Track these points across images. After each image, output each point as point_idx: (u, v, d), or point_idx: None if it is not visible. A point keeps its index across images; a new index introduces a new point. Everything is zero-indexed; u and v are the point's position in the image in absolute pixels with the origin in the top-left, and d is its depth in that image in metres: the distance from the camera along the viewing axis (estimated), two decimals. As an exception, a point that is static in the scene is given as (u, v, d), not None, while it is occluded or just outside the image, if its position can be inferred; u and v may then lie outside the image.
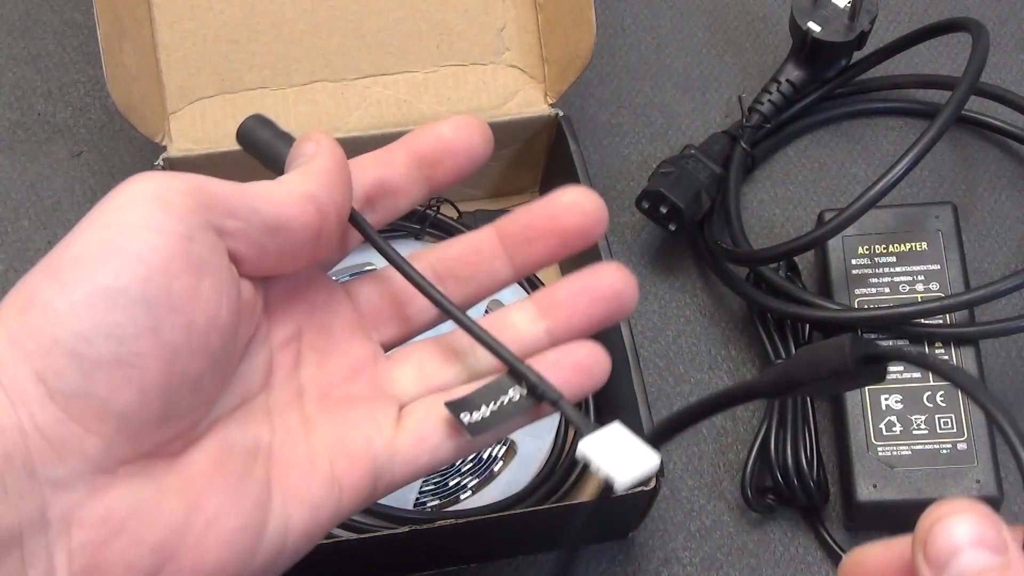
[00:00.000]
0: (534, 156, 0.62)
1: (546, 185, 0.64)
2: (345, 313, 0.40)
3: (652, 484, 0.49)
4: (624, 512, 0.53)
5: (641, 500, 0.50)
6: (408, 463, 0.38)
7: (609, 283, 0.40)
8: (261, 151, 0.39)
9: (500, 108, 0.59)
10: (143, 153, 0.63)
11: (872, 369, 0.32)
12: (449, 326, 0.41)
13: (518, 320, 0.40)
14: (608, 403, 0.56)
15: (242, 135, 0.40)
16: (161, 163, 0.56)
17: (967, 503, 0.28)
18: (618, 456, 0.35)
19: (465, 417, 0.37)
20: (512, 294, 0.59)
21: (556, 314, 0.40)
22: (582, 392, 0.39)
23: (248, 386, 0.36)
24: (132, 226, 0.31)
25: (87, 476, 0.30)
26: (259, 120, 0.40)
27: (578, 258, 0.59)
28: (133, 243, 0.31)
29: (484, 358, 0.40)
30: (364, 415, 0.38)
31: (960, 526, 0.28)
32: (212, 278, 0.33)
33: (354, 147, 0.59)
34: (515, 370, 0.38)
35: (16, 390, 0.30)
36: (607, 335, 0.54)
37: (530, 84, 0.59)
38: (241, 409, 0.36)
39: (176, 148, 0.56)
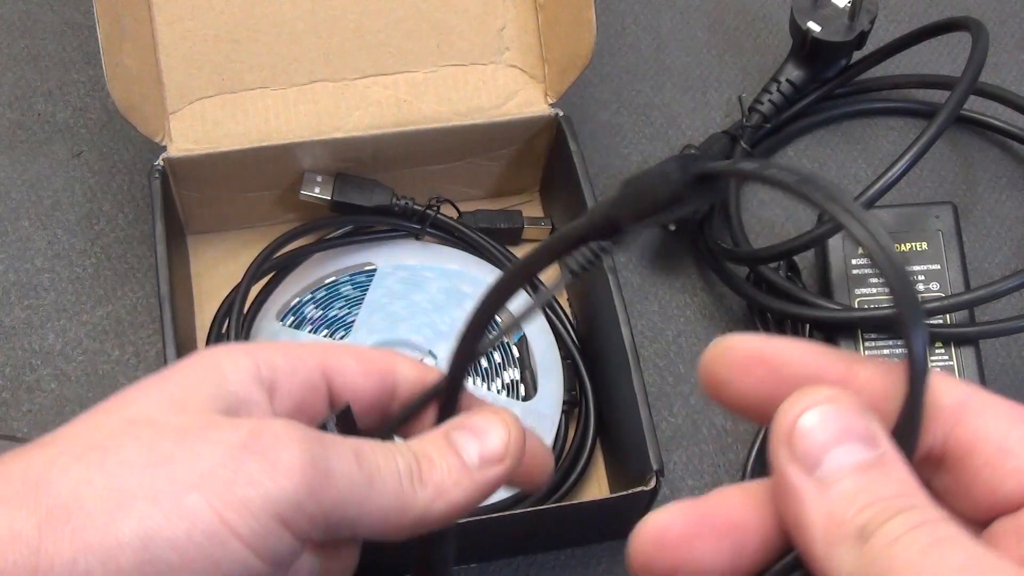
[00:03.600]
0: (534, 156, 0.62)
1: (546, 185, 0.64)
2: None
3: (652, 484, 0.49)
4: (624, 512, 0.53)
5: (641, 500, 0.50)
6: None
7: None
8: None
9: (500, 108, 0.59)
10: (143, 153, 0.63)
11: (706, 188, 0.28)
12: None
13: None
14: (608, 403, 0.56)
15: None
16: (161, 163, 0.56)
17: (827, 391, 0.25)
18: None
19: None
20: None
21: None
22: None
23: None
24: (240, 540, 0.28)
25: None
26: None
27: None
28: (230, 560, 0.28)
29: None
30: None
31: (825, 420, 0.25)
32: None
33: (354, 147, 0.59)
34: None
35: None
36: (607, 335, 0.54)
37: (530, 84, 0.59)
38: None
39: (176, 148, 0.56)
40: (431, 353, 0.58)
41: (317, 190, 0.59)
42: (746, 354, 0.27)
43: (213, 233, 0.62)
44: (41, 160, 0.64)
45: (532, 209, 0.64)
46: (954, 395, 0.27)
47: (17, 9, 0.68)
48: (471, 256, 0.60)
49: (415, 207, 0.60)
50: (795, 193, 0.25)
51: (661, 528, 0.27)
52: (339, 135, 0.57)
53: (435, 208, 0.60)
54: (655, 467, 0.49)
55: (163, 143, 0.56)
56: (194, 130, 0.57)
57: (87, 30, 0.68)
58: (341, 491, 0.30)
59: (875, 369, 0.27)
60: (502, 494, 0.53)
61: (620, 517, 0.53)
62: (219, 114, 0.57)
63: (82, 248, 0.61)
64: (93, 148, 0.64)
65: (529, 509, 0.52)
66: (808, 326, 0.58)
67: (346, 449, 0.31)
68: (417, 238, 0.61)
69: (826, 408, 0.25)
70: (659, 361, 0.60)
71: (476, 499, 0.32)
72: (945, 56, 0.69)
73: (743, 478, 0.55)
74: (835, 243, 0.58)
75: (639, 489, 0.49)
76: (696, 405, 0.59)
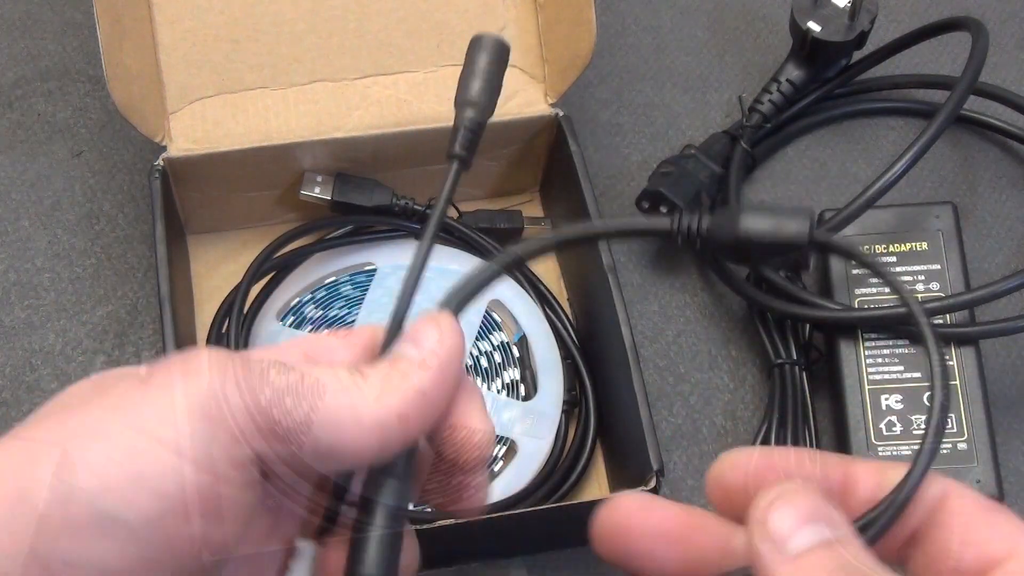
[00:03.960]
0: (534, 156, 0.62)
1: (546, 185, 0.64)
2: None
3: (652, 484, 0.49)
4: (624, 512, 0.53)
5: (641, 500, 0.50)
6: None
7: None
8: None
9: (500, 108, 0.58)
10: (143, 153, 0.63)
11: (809, 252, 0.31)
12: None
13: None
14: (608, 403, 0.56)
15: None
16: (161, 163, 0.56)
17: (796, 483, 0.29)
18: None
19: None
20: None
21: None
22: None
23: None
24: (164, 447, 0.28)
25: None
26: None
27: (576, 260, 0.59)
28: (157, 472, 0.28)
29: None
30: None
31: (794, 506, 0.29)
32: (228, 524, 0.29)
33: (354, 147, 0.59)
34: None
35: None
36: (607, 335, 0.54)
37: (530, 84, 0.59)
38: None
39: (176, 148, 0.56)
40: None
41: (317, 190, 0.59)
42: (759, 464, 0.31)
43: (213, 233, 0.62)
44: (41, 160, 0.64)
45: (532, 209, 0.64)
46: (937, 488, 0.31)
47: (17, 9, 0.68)
48: (471, 256, 0.60)
49: (415, 207, 0.60)
50: (898, 294, 0.31)
51: (630, 506, 0.34)
52: (339, 135, 0.57)
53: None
54: (655, 467, 0.49)
55: (163, 143, 0.56)
56: (194, 130, 0.57)
57: (87, 30, 0.68)
58: (272, 383, 0.29)
59: (869, 467, 0.31)
60: (502, 494, 0.53)
61: (620, 517, 0.53)
62: (219, 114, 0.57)
63: (82, 248, 0.61)
64: (93, 148, 0.64)
65: (529, 509, 0.52)
66: (808, 326, 0.58)
67: (268, 359, 0.31)
68: (417, 238, 0.61)
69: (795, 497, 0.29)
70: (659, 361, 0.60)
71: (432, 391, 0.31)
72: (945, 56, 0.69)
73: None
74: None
75: (638, 490, 0.49)
76: (696, 405, 0.59)
